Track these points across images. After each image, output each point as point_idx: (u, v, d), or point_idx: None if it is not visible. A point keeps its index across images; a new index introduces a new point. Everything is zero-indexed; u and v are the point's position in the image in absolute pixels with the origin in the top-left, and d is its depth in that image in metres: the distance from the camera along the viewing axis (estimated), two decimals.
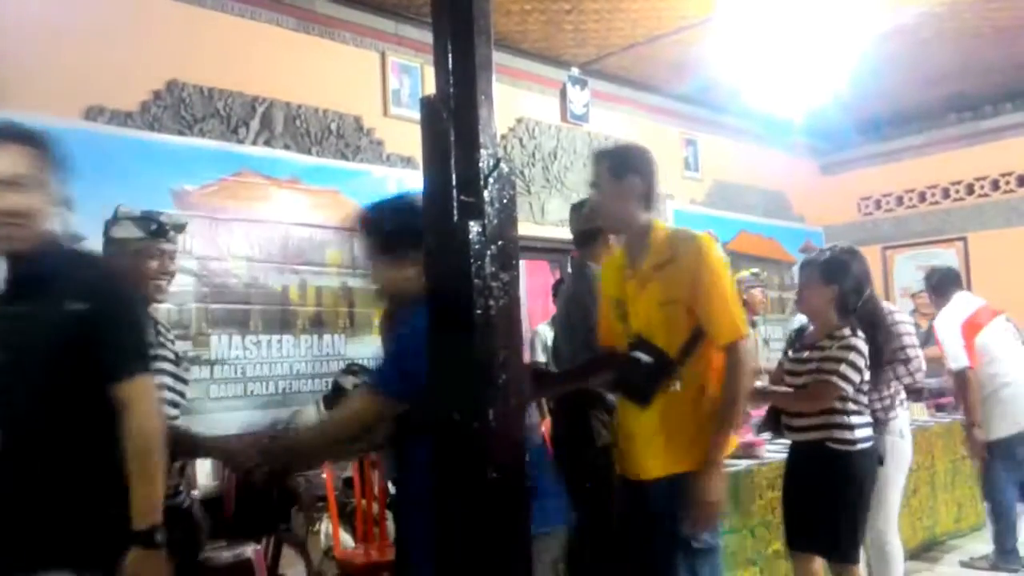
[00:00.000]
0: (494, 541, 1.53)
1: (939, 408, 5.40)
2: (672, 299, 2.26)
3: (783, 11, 4.59)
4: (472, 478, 1.56)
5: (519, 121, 5.69)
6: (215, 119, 4.24)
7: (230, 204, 4.20)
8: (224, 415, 3.99)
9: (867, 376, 2.98)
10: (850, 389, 2.94)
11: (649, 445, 2.29)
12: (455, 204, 1.58)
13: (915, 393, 5.38)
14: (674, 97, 6.60)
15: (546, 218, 5.74)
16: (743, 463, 3.68)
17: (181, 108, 4.13)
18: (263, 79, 4.43)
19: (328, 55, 4.75)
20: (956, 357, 4.38)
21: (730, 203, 7.21)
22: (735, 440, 2.46)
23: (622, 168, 2.42)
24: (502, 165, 1.60)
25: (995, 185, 7.29)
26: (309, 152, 4.59)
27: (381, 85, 4.99)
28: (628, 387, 2.37)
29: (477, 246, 1.53)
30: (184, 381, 2.48)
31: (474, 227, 1.55)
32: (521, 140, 5.68)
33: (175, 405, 2.40)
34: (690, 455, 2.23)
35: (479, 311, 1.55)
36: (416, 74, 5.07)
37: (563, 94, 5.98)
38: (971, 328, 4.44)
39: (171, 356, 2.42)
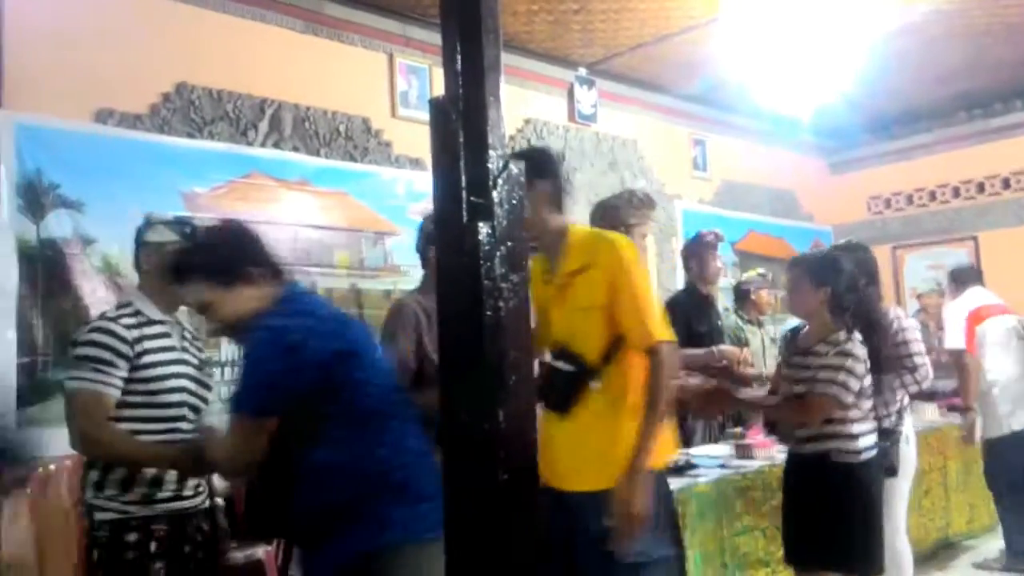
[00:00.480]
0: (504, 543, 1.53)
1: (951, 408, 5.38)
2: (590, 305, 2.21)
3: (790, 10, 4.58)
4: (482, 480, 1.56)
5: (527, 122, 5.68)
6: (224, 121, 4.26)
7: (240, 206, 4.21)
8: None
9: (868, 381, 2.91)
10: (850, 398, 2.84)
11: (570, 455, 2.22)
12: (464, 206, 1.58)
13: (927, 395, 5.37)
14: (682, 97, 6.58)
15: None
16: (754, 463, 3.67)
17: (190, 110, 4.14)
18: (272, 81, 4.44)
19: (336, 57, 4.76)
20: (953, 338, 4.51)
21: (739, 203, 7.19)
22: (666, 448, 2.31)
23: (528, 173, 2.34)
24: (511, 166, 1.60)
25: (1006, 183, 7.24)
26: (318, 154, 4.60)
27: (389, 86, 4.99)
28: (547, 395, 2.29)
29: (487, 247, 1.53)
30: (207, 387, 2.48)
31: (483, 228, 1.55)
32: (529, 141, 5.67)
33: (196, 410, 2.41)
34: (612, 468, 2.12)
35: (489, 312, 1.55)
36: (424, 75, 5.07)
37: (571, 94, 5.97)
38: (975, 318, 4.54)
39: (194, 361, 2.44)
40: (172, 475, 2.28)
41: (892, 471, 3.15)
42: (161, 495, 2.25)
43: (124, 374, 2.21)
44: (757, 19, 4.73)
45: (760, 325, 5.00)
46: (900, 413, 3.36)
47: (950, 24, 5.35)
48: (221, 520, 2.59)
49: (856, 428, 2.89)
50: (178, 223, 2.47)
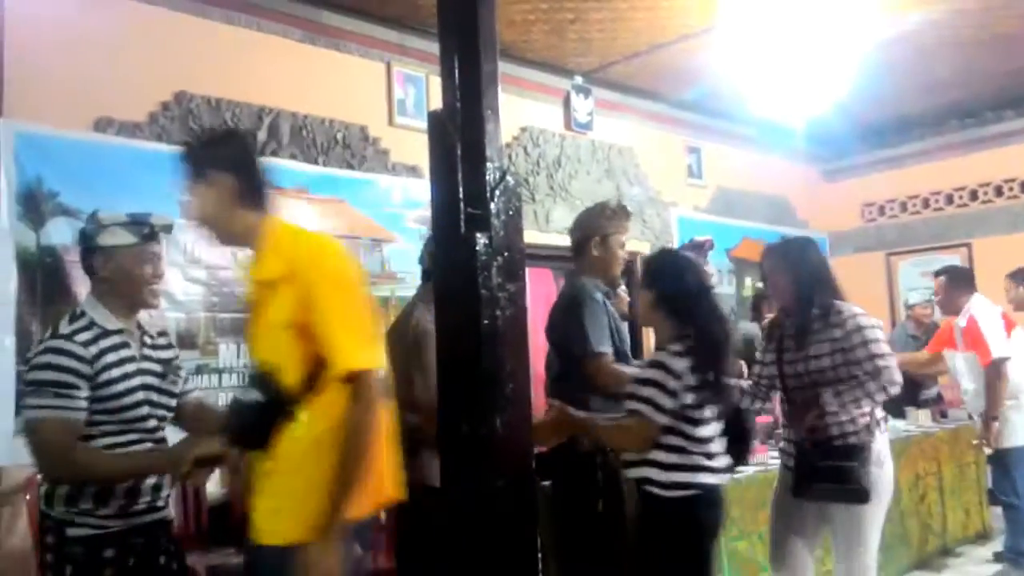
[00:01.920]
0: (502, 548, 1.56)
1: (943, 415, 5.41)
2: (285, 321, 1.84)
3: (785, 19, 4.62)
4: (480, 486, 1.59)
5: (523, 130, 5.72)
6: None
7: None
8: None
9: (689, 399, 2.44)
10: (662, 418, 2.42)
11: (266, 502, 1.85)
12: (462, 216, 1.62)
13: (921, 403, 5.41)
14: (677, 105, 6.63)
15: (550, 226, 5.76)
16: (749, 469, 3.69)
17: (189, 119, 4.17)
18: (270, 90, 4.47)
19: (334, 66, 4.80)
20: (999, 346, 4.39)
21: (734, 210, 7.23)
22: (377, 493, 1.85)
23: (204, 165, 2.06)
24: (508, 178, 1.64)
25: (999, 191, 7.29)
26: (315, 162, 4.63)
27: (386, 95, 5.03)
28: (234, 431, 1.95)
29: (484, 257, 1.56)
30: (171, 394, 2.33)
31: (481, 239, 1.58)
32: (525, 148, 5.71)
33: (161, 419, 2.29)
34: (309, 518, 1.76)
35: (486, 321, 1.59)
36: (421, 84, 5.11)
37: (567, 103, 6.01)
38: (1008, 322, 4.58)
39: (156, 368, 2.29)
40: (148, 485, 2.19)
41: (861, 496, 2.79)
42: (137, 507, 2.17)
43: (87, 394, 2.09)
44: (751, 28, 4.77)
45: None
46: (870, 428, 2.92)
47: (941, 34, 5.41)
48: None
49: (665, 456, 2.44)
50: (136, 223, 2.28)
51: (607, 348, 2.92)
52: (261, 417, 1.86)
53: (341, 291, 1.86)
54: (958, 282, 4.72)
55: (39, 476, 2.28)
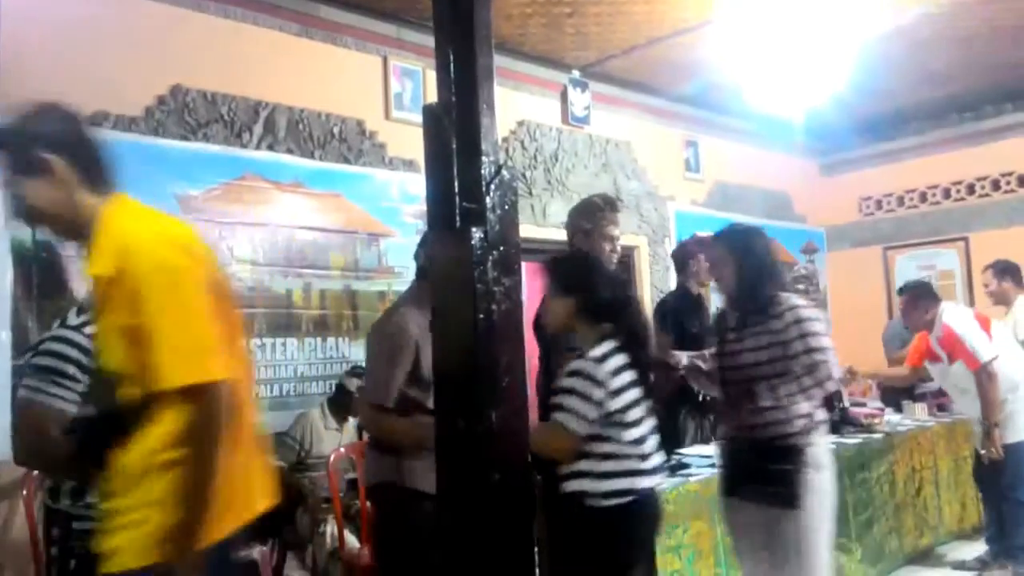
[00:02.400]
0: (498, 542, 1.57)
1: (940, 408, 5.42)
2: (120, 325, 1.63)
3: (782, 13, 4.61)
4: (476, 480, 1.59)
5: (520, 124, 5.71)
6: (219, 124, 4.27)
7: (234, 208, 4.23)
8: None
9: (617, 404, 2.31)
10: (583, 426, 2.30)
11: (110, 525, 1.69)
12: (458, 210, 1.62)
13: (918, 397, 5.39)
14: (675, 99, 6.62)
15: (548, 220, 5.75)
16: None
17: (185, 113, 4.16)
18: (266, 84, 4.46)
19: (330, 59, 4.78)
20: (983, 349, 4.24)
21: (731, 204, 7.22)
22: (233, 513, 1.70)
23: (28, 149, 1.73)
24: (504, 172, 1.63)
25: (996, 185, 7.30)
26: (312, 156, 4.62)
27: (383, 89, 5.02)
28: (81, 449, 1.85)
29: (479, 252, 1.56)
30: None
31: (476, 233, 1.58)
32: (523, 143, 5.70)
33: None
34: (152, 540, 1.62)
35: (481, 316, 1.59)
36: (418, 78, 5.10)
37: (564, 97, 6.00)
38: (983, 321, 4.44)
39: None
40: None
41: (791, 501, 2.62)
42: None
43: (84, 388, 2.10)
44: (749, 22, 4.76)
45: None
46: (808, 430, 2.73)
47: (939, 27, 5.40)
48: None
49: (598, 465, 2.33)
50: None
51: None
52: (100, 433, 1.72)
53: (173, 290, 1.61)
54: (919, 299, 4.54)
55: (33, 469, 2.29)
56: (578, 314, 2.47)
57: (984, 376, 4.22)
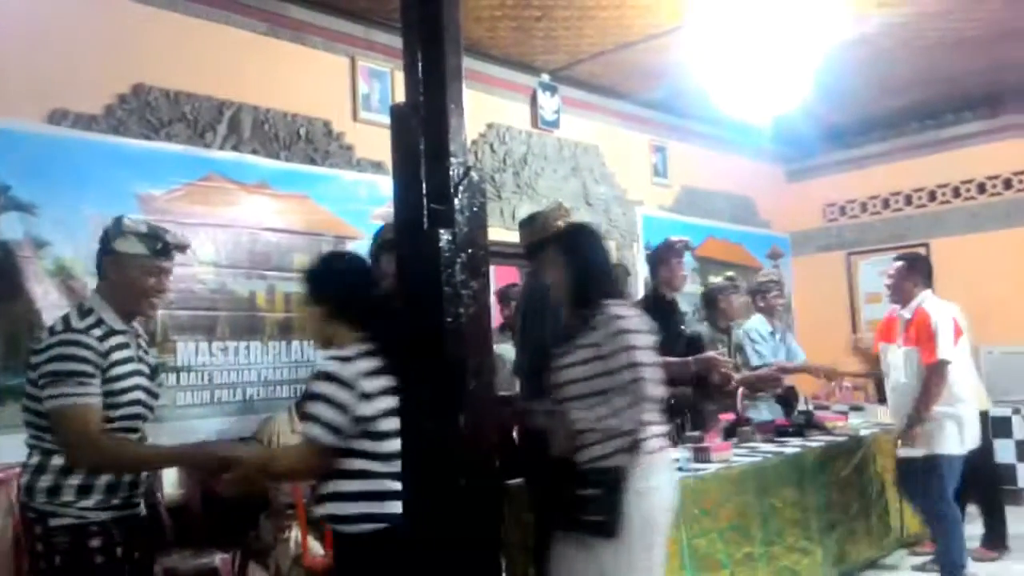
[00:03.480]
0: (465, 548, 1.54)
1: (854, 408, 5.46)
2: None
3: (750, 20, 4.65)
4: (442, 485, 1.56)
5: (490, 127, 5.70)
6: (182, 123, 4.20)
7: (197, 209, 4.15)
8: (191, 423, 3.95)
9: (368, 411, 2.10)
10: (328, 436, 2.07)
11: None
12: (425, 212, 1.59)
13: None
14: (644, 104, 6.65)
15: (516, 224, 5.73)
16: (711, 467, 3.72)
17: (147, 112, 4.08)
18: (231, 83, 4.39)
19: (297, 59, 4.73)
20: (947, 348, 4.17)
21: (698, 209, 7.28)
22: None
23: None
24: (472, 173, 1.61)
25: (956, 192, 7.43)
26: (277, 157, 4.56)
27: (351, 90, 4.97)
28: None
29: (447, 254, 1.54)
30: (156, 395, 2.47)
31: (444, 235, 1.56)
32: (492, 146, 5.69)
33: (144, 418, 2.39)
34: None
35: (449, 319, 1.56)
36: (386, 79, 5.06)
37: (534, 100, 6.00)
38: (957, 328, 4.37)
39: (147, 370, 2.42)
40: (126, 481, 2.27)
41: (605, 530, 2.37)
42: (115, 501, 2.25)
43: (100, 387, 2.20)
44: (716, 29, 4.80)
45: (727, 331, 5.07)
46: (631, 452, 2.46)
47: (903, 36, 5.49)
48: (167, 528, 2.59)
49: (348, 484, 2.11)
50: (150, 236, 2.35)
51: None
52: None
53: None
54: (915, 272, 4.45)
55: (18, 469, 2.35)
56: (332, 320, 2.27)
57: (936, 373, 4.14)
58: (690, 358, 4.09)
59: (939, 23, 5.33)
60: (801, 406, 5.25)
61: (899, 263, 4.53)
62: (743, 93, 5.02)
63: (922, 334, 4.22)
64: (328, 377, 2.11)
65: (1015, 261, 6.88)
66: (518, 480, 3.34)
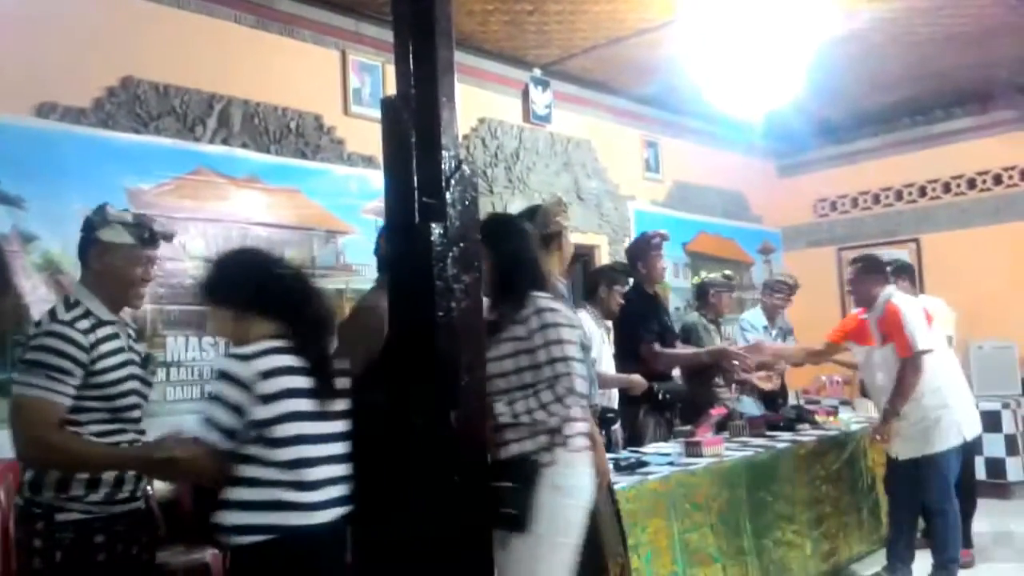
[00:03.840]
0: (457, 547, 1.54)
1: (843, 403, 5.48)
2: None
3: (743, 15, 4.65)
4: (435, 482, 1.56)
5: (481, 121, 5.68)
6: (171, 117, 4.17)
7: (186, 203, 4.13)
8: (180, 418, 3.92)
9: (261, 414, 1.95)
10: (216, 438, 1.96)
11: None
12: (416, 206, 1.58)
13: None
14: (636, 99, 6.64)
15: None
16: (703, 461, 3.72)
17: (136, 105, 4.04)
18: (221, 76, 4.36)
19: (287, 53, 4.70)
20: (922, 338, 4.06)
21: (690, 204, 7.29)
22: None
23: None
24: (464, 167, 1.60)
25: (946, 188, 7.45)
26: (268, 151, 4.53)
27: (341, 84, 4.94)
28: None
29: (439, 248, 1.53)
30: (149, 383, 2.46)
31: (436, 229, 1.55)
32: (484, 140, 5.67)
33: (141, 408, 2.38)
34: None
35: (441, 313, 1.55)
36: (377, 73, 5.03)
37: (525, 95, 5.98)
38: (928, 316, 4.28)
39: (138, 360, 2.40)
40: (131, 475, 2.26)
41: (515, 523, 2.29)
42: (121, 495, 2.24)
43: (78, 382, 2.15)
44: (709, 23, 4.79)
45: (717, 325, 5.11)
46: (553, 446, 2.42)
47: (894, 32, 5.49)
48: (160, 522, 2.57)
49: (239, 493, 1.97)
50: (138, 225, 2.32)
51: None
52: None
53: None
54: (872, 271, 4.34)
55: (20, 464, 2.29)
56: (242, 318, 2.10)
57: (911, 365, 4.04)
58: (702, 349, 4.15)
59: (930, 19, 5.33)
60: (792, 401, 5.28)
61: (855, 266, 4.45)
62: (735, 88, 5.02)
63: (893, 329, 4.13)
64: (224, 376, 1.98)
65: (1004, 256, 6.91)
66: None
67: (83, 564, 2.14)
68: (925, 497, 4.22)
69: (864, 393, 5.39)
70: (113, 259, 2.28)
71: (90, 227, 2.31)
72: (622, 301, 4.27)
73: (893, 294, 4.28)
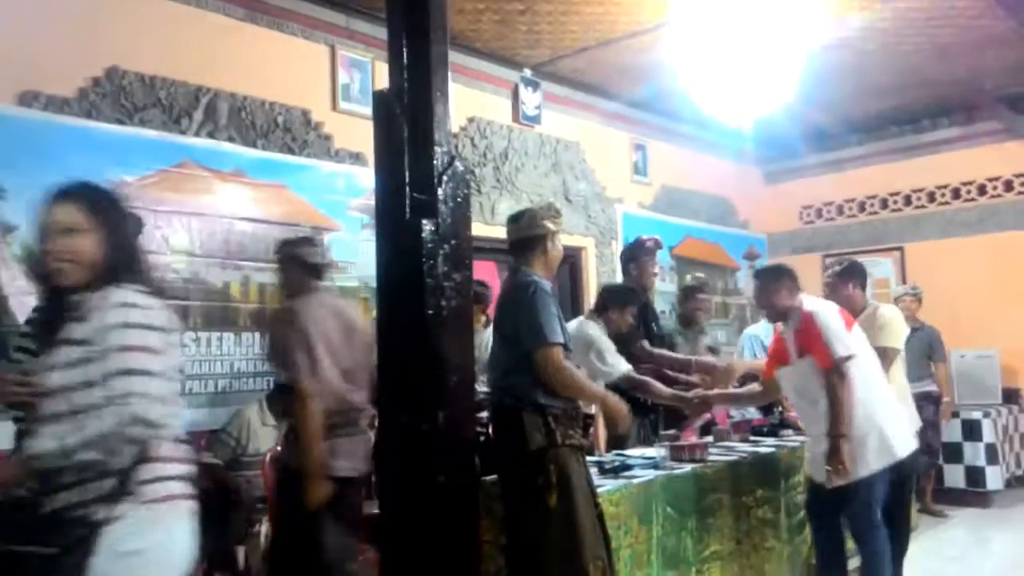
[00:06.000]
0: (442, 547, 1.51)
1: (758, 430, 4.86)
2: None
3: (733, 20, 4.65)
4: (420, 482, 1.53)
5: (471, 120, 5.66)
6: (156, 108, 4.11)
7: (170, 196, 4.07)
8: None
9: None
10: None
11: None
12: (408, 201, 1.56)
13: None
14: (625, 102, 6.64)
15: (496, 219, 5.71)
16: (687, 466, 3.71)
17: (121, 96, 3.99)
18: (208, 69, 4.31)
19: (276, 47, 4.65)
20: (841, 345, 3.50)
21: (677, 208, 7.29)
22: None
23: None
24: (456, 163, 1.58)
25: (931, 197, 7.50)
26: (254, 145, 4.48)
27: (330, 79, 4.90)
28: None
29: (430, 245, 1.50)
30: None
31: (427, 226, 1.52)
32: (472, 140, 5.65)
33: None
34: None
35: (431, 311, 1.53)
36: (367, 69, 5.00)
37: (515, 95, 5.96)
38: (847, 319, 3.72)
39: None
40: None
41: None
42: None
43: None
44: (699, 28, 4.79)
45: (693, 331, 5.10)
46: (114, 497, 1.82)
47: (883, 41, 5.52)
48: None
49: None
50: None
51: (561, 339, 2.90)
52: None
53: None
54: (777, 281, 3.76)
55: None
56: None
57: (835, 376, 3.46)
58: (692, 358, 4.13)
59: (918, 29, 5.36)
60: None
61: (759, 280, 3.92)
62: (724, 94, 5.02)
63: (811, 339, 3.56)
64: None
65: (987, 266, 6.97)
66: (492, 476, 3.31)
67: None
68: (849, 526, 3.69)
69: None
70: None
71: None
72: (632, 322, 4.25)
73: (805, 300, 3.73)
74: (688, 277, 6.87)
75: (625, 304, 4.26)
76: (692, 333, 5.02)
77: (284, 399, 4.01)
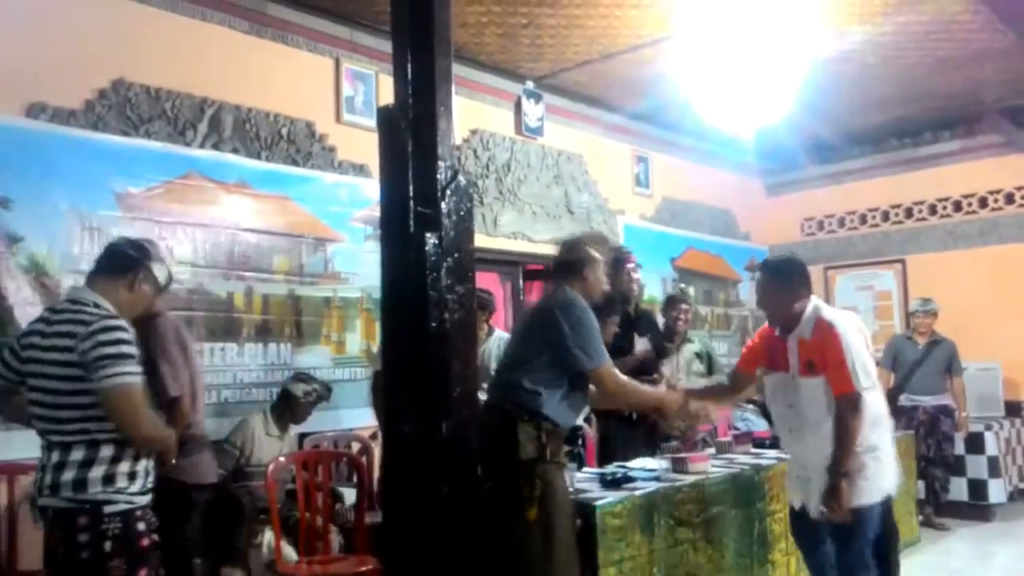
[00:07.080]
0: (444, 557, 1.52)
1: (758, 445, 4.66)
2: None
3: (736, 33, 4.68)
4: (423, 493, 1.54)
5: (473, 132, 5.69)
6: (162, 120, 4.14)
7: (175, 207, 4.10)
8: None
9: None
10: None
11: None
12: (412, 215, 1.57)
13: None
14: (627, 114, 6.67)
15: (499, 230, 5.73)
16: (689, 477, 3.71)
17: (127, 108, 4.02)
18: (213, 81, 4.34)
19: (280, 59, 4.69)
20: (868, 371, 3.10)
21: (679, 220, 7.32)
22: None
23: None
24: (460, 177, 1.60)
25: (932, 210, 7.52)
26: (258, 157, 4.51)
27: (334, 91, 4.93)
28: None
29: (433, 258, 1.52)
30: None
31: (431, 239, 1.54)
32: (475, 151, 5.68)
33: None
34: None
35: (434, 323, 1.54)
36: (371, 82, 5.03)
37: (518, 107, 6.00)
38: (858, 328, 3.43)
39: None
40: (152, 465, 2.44)
41: None
42: (149, 485, 2.42)
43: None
44: (701, 41, 4.82)
45: (680, 340, 5.12)
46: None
47: (884, 54, 5.55)
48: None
49: None
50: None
51: (608, 358, 3.03)
52: None
53: None
54: (786, 279, 3.24)
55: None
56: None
57: (850, 406, 3.01)
58: (652, 393, 3.68)
59: (920, 42, 5.39)
60: None
61: (766, 276, 3.36)
62: (726, 106, 5.04)
63: (832, 359, 3.05)
64: None
65: (989, 279, 6.97)
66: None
67: (131, 550, 2.32)
68: (837, 560, 3.26)
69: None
70: (147, 287, 2.55)
71: (147, 255, 2.58)
72: (617, 330, 4.26)
73: (821, 307, 3.21)
74: (669, 287, 6.89)
75: (608, 315, 4.26)
76: (674, 344, 5.04)
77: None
